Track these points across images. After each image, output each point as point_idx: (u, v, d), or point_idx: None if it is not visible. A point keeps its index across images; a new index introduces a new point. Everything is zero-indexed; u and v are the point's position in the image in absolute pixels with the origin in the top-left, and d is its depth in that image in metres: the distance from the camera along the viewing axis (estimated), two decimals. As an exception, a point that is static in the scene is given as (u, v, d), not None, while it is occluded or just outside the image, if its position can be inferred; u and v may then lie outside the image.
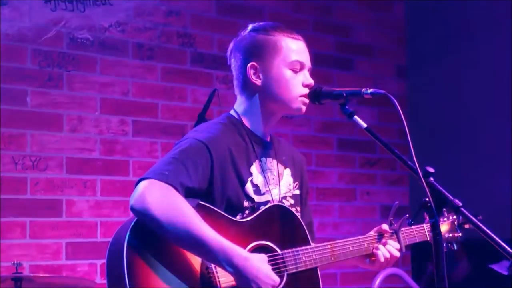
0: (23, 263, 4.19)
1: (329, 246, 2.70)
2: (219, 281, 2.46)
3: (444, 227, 3.00)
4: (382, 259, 2.78)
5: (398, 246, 2.82)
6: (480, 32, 5.89)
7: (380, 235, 2.82)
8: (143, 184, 2.43)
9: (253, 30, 2.74)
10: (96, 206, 4.72)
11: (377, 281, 4.68)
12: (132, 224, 2.43)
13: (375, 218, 5.98)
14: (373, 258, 2.81)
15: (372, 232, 2.85)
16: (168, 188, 2.41)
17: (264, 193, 2.67)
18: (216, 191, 2.56)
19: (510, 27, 5.65)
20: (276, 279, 2.47)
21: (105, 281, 2.54)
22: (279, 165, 2.78)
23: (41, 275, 4.13)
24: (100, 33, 4.82)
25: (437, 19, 6.21)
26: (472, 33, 5.94)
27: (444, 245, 2.98)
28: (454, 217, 3.03)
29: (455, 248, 3.02)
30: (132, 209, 2.42)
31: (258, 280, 2.42)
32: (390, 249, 2.80)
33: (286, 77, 2.65)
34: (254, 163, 2.68)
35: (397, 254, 2.81)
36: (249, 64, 2.67)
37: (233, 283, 2.46)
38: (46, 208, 4.54)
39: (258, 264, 2.43)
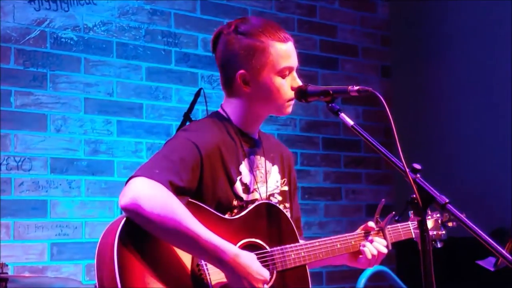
0: (8, 264, 4.15)
1: (317, 244, 2.70)
2: (209, 278, 2.46)
3: (428, 225, 3.00)
4: (369, 256, 2.79)
5: (385, 243, 2.83)
6: (463, 32, 5.91)
7: (367, 233, 2.83)
8: (132, 182, 2.43)
9: (240, 32, 2.67)
10: (81, 206, 4.70)
11: (363, 279, 4.68)
12: (122, 222, 2.42)
13: (361, 217, 5.99)
14: (360, 256, 2.82)
15: (359, 230, 2.86)
16: (158, 186, 2.40)
17: (252, 191, 2.68)
18: (206, 191, 2.56)
19: (492, 27, 5.68)
20: (267, 275, 2.47)
21: (91, 282, 2.53)
22: (267, 162, 2.77)
23: (26, 275, 4.11)
24: (84, 33, 4.81)
25: (421, 19, 6.22)
26: (456, 33, 5.96)
27: None
28: (438, 215, 3.05)
29: (439, 246, 3.03)
30: (122, 207, 2.41)
31: (249, 277, 2.42)
32: (377, 246, 2.81)
33: (275, 85, 2.63)
34: (243, 162, 2.68)
35: (384, 250, 2.82)
36: (238, 73, 2.64)
37: (224, 280, 2.46)
38: (31, 209, 4.52)
39: (249, 261, 2.43)
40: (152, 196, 2.39)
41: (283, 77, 2.65)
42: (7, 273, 3.76)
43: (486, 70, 5.71)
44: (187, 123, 3.96)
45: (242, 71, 2.64)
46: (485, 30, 5.75)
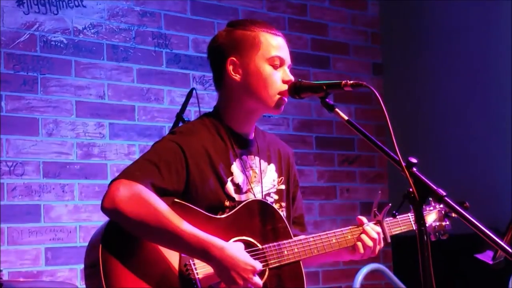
0: (3, 270, 4.13)
1: (311, 239, 2.68)
2: (198, 278, 2.45)
3: (431, 216, 2.99)
4: (362, 251, 2.75)
5: (379, 230, 2.78)
6: (454, 28, 5.91)
7: (362, 225, 2.81)
8: (113, 185, 2.43)
9: (231, 25, 2.72)
10: (75, 210, 4.67)
11: (359, 278, 4.65)
12: (106, 225, 2.41)
13: (356, 215, 5.94)
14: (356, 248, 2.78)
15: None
16: (138, 187, 2.40)
17: (246, 192, 2.65)
18: (195, 192, 2.54)
19: (484, 22, 5.68)
20: (256, 265, 2.45)
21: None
22: (262, 161, 2.75)
23: (21, 280, 4.08)
24: (74, 36, 4.78)
25: (411, 16, 6.22)
26: (447, 30, 5.96)
27: (432, 234, 2.98)
28: (441, 205, 3.01)
29: (444, 238, 3.00)
30: (103, 209, 2.42)
31: (237, 268, 2.40)
32: (371, 233, 2.76)
33: (265, 72, 2.63)
34: (234, 162, 2.66)
35: (374, 236, 2.76)
36: (228, 59, 2.65)
37: (212, 278, 2.45)
38: (24, 214, 4.49)
39: (236, 253, 2.42)
40: (132, 197, 2.38)
41: (274, 67, 2.64)
42: (2, 278, 3.74)
43: (480, 66, 5.71)
44: (180, 124, 3.95)
45: (232, 57, 2.64)
46: (476, 26, 5.74)
